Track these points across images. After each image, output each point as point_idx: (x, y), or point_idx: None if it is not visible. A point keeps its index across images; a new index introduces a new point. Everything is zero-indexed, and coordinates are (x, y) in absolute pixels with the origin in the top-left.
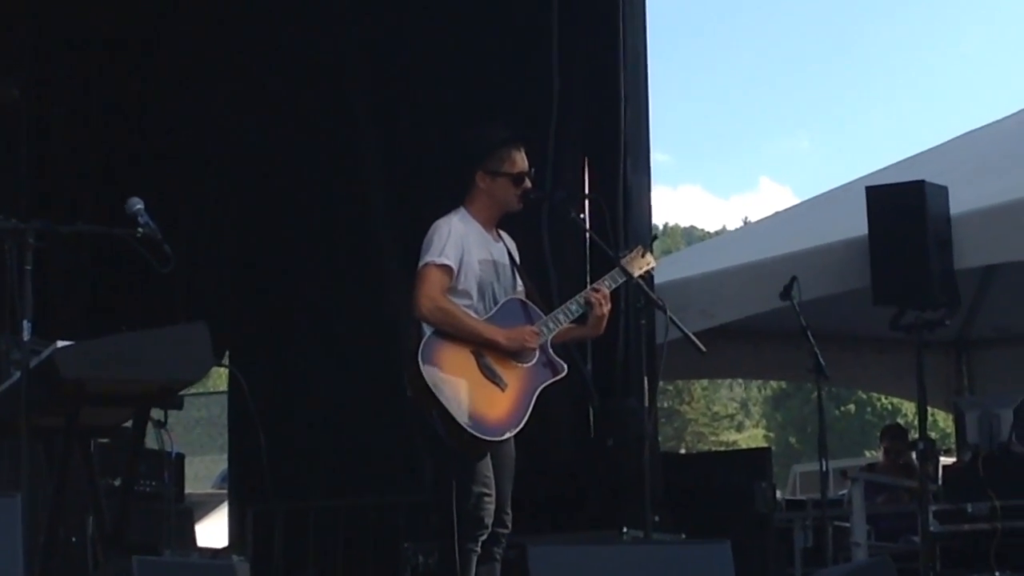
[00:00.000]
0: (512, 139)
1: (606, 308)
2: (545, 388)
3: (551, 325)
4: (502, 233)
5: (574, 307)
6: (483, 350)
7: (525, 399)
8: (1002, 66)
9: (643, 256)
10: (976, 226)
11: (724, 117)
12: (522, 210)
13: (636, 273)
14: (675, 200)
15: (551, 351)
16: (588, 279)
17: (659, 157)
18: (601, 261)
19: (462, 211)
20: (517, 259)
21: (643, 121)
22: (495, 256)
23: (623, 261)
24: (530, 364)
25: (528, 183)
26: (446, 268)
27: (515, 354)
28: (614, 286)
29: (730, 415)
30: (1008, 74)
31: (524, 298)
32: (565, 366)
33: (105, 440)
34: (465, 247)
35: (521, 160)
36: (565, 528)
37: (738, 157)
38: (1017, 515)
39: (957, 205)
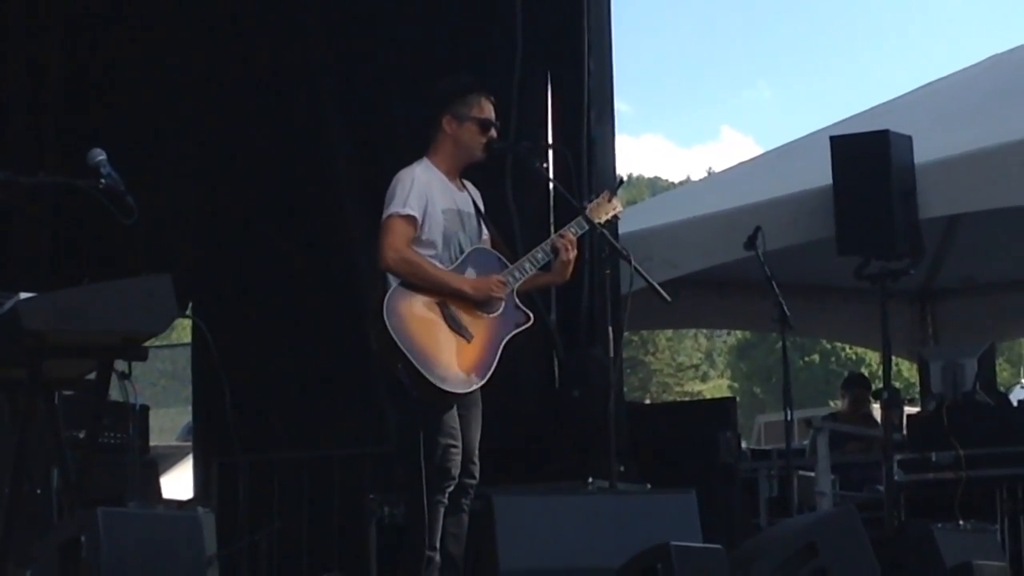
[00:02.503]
0: (481, 86)
1: (572, 254)
2: (510, 339)
3: (517, 274)
4: (466, 182)
5: (540, 255)
6: (449, 301)
7: (491, 350)
8: (967, 15)
9: (609, 201)
10: (940, 176)
11: (683, 66)
12: (486, 160)
13: (603, 218)
14: (638, 150)
15: (517, 300)
16: (552, 230)
17: (619, 107)
18: (565, 211)
19: (425, 161)
20: (482, 208)
21: (607, 72)
22: (459, 205)
23: (588, 208)
24: (496, 314)
25: (494, 133)
26: (410, 219)
27: (481, 304)
28: (580, 232)
29: (695, 365)
30: (973, 23)
31: (490, 247)
32: (531, 315)
33: (69, 392)
34: (429, 197)
35: (489, 108)
36: (530, 478)
37: (698, 106)
38: (981, 464)
39: (921, 155)
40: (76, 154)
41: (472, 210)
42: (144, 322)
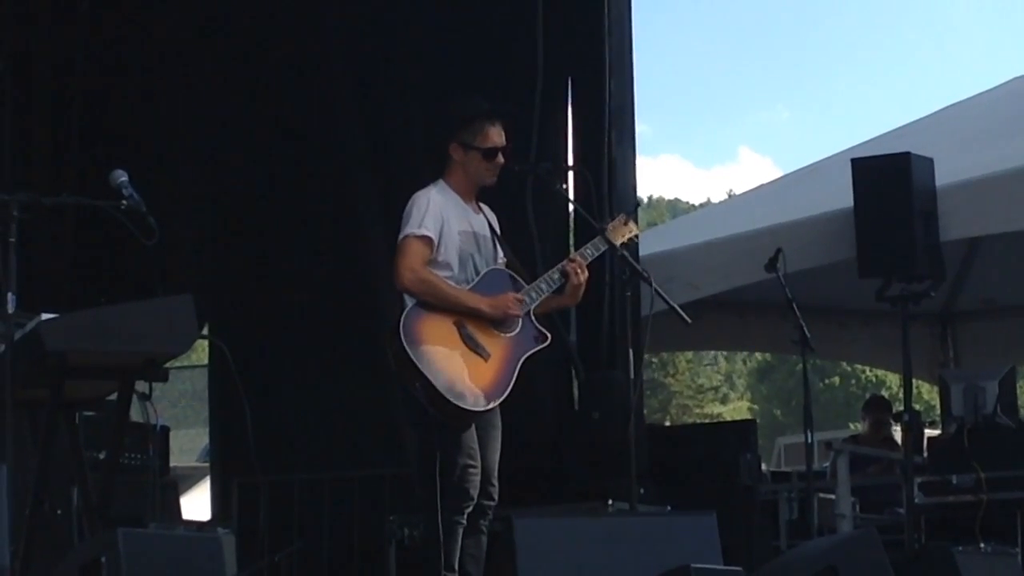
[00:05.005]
0: (488, 113)
1: (583, 277)
2: (529, 360)
3: (534, 294)
4: (482, 205)
5: (556, 275)
6: (465, 320)
7: (508, 369)
8: (988, 37)
9: (626, 224)
10: (962, 198)
11: (701, 87)
12: (507, 182)
13: (619, 241)
14: (656, 171)
15: (534, 320)
16: (572, 250)
17: (638, 127)
18: (585, 232)
19: (441, 183)
20: (498, 231)
21: (628, 93)
22: (475, 227)
23: (606, 230)
24: (513, 334)
25: (501, 159)
26: (426, 239)
27: (498, 323)
28: (596, 254)
29: (715, 387)
30: (994, 45)
31: (506, 269)
32: (548, 335)
33: (90, 413)
34: (445, 218)
35: (496, 135)
36: (551, 500)
37: (717, 127)
38: (1002, 486)
39: (943, 177)
40: (97, 175)
41: (488, 232)
42: (166, 343)
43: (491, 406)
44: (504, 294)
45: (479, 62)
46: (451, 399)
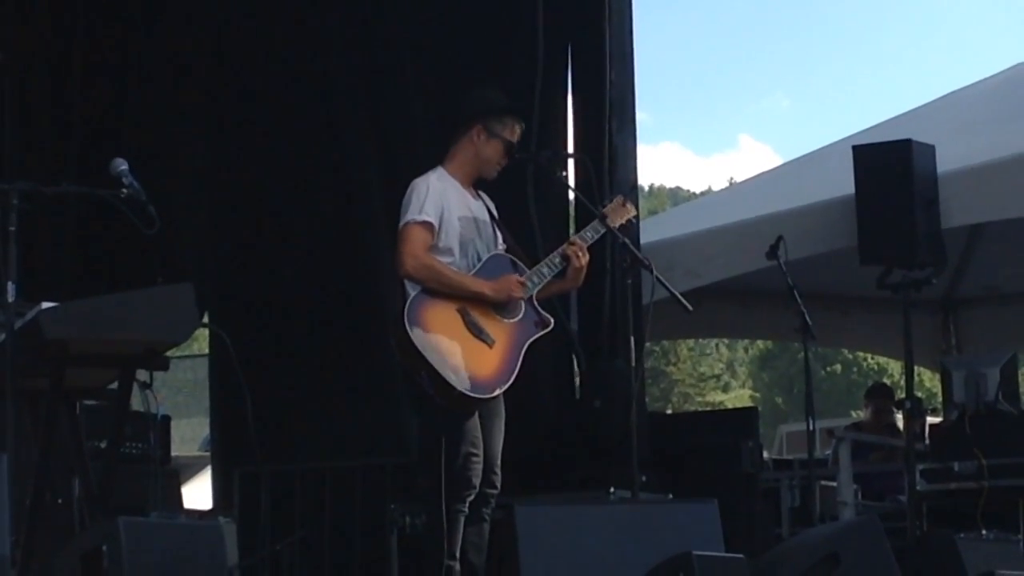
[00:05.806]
0: (519, 111)
1: (583, 260)
2: (530, 349)
3: (536, 279)
4: (480, 192)
5: (557, 259)
6: (469, 307)
7: (513, 354)
8: (989, 23)
9: (624, 205)
10: (963, 185)
11: (701, 75)
12: (508, 170)
13: (618, 223)
14: (657, 159)
15: (537, 305)
16: None
17: (638, 115)
18: (586, 220)
19: (439, 170)
20: (496, 215)
21: (628, 82)
22: (475, 213)
23: (605, 215)
24: (516, 319)
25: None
26: (427, 225)
27: (501, 309)
28: (595, 237)
29: (716, 375)
30: (995, 32)
31: (507, 254)
32: (551, 319)
33: (91, 402)
34: (445, 204)
35: (518, 134)
36: (552, 488)
37: (717, 115)
38: (1003, 474)
39: (944, 164)
40: (97, 164)
41: (487, 217)
42: (166, 331)
43: (497, 393)
44: (507, 277)
45: (480, 50)
46: (456, 386)
